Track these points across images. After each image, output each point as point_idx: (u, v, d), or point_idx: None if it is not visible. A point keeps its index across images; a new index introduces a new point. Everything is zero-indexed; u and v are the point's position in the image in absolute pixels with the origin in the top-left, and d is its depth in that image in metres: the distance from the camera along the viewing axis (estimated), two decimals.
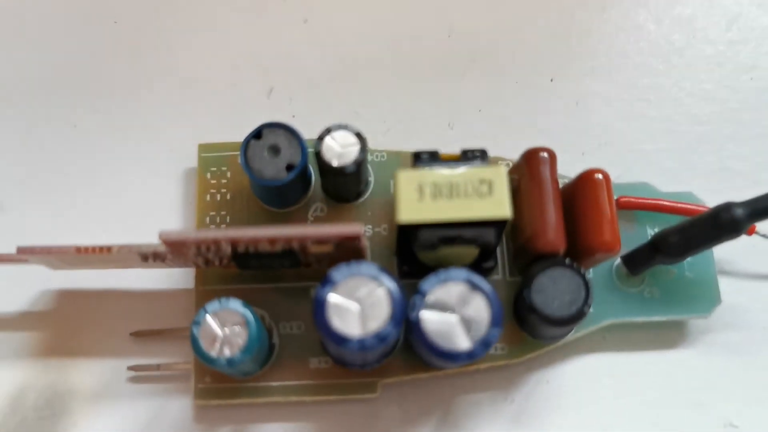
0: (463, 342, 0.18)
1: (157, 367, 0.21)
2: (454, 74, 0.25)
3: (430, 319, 0.18)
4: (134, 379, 0.21)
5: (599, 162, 0.24)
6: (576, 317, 0.19)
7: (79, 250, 0.19)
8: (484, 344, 0.18)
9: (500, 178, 0.19)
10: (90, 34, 0.25)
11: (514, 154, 0.23)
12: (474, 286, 0.18)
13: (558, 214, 0.20)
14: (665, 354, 0.22)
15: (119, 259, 0.20)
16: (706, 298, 0.22)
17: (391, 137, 0.24)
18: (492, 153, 0.23)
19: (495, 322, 0.18)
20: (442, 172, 0.19)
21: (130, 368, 0.21)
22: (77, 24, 0.25)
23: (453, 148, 0.23)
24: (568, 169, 0.23)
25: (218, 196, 0.22)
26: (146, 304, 0.22)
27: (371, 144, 0.23)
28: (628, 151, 0.24)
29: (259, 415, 0.21)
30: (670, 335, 0.22)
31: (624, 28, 0.26)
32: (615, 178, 0.24)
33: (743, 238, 0.22)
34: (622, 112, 0.25)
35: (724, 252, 0.23)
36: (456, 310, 0.18)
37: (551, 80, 0.25)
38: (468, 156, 0.20)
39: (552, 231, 0.20)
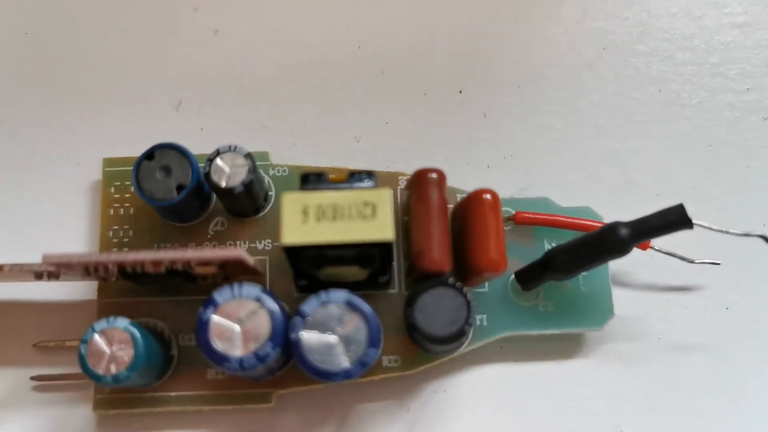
0: (341, 361, 0.19)
1: (60, 377, 0.22)
2: (363, 87, 0.25)
3: (309, 339, 0.19)
4: (37, 389, 0.22)
5: (504, 174, 0.25)
6: (457, 336, 0.20)
7: None
8: (362, 364, 0.19)
9: (384, 201, 0.19)
10: None
11: (420, 167, 0.24)
12: (354, 307, 0.19)
13: (443, 235, 0.20)
14: (560, 364, 0.23)
15: (13, 276, 0.20)
16: (600, 311, 0.22)
17: (297, 151, 0.24)
18: (397, 166, 0.24)
19: (373, 342, 0.19)
20: (326, 194, 0.19)
21: (33, 378, 0.22)
22: None
23: (359, 162, 0.24)
24: (472, 183, 0.24)
25: (122, 210, 0.23)
26: (49, 315, 0.22)
27: (277, 158, 0.23)
28: (533, 164, 0.24)
29: (158, 423, 0.22)
30: (565, 346, 0.23)
31: (534, 40, 0.26)
32: (519, 191, 0.24)
33: (639, 253, 0.23)
34: (528, 125, 0.25)
35: (620, 265, 0.23)
36: (335, 331, 0.19)
37: (460, 92, 0.25)
38: (355, 178, 0.20)
39: (436, 251, 0.20)
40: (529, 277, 0.22)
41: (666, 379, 0.23)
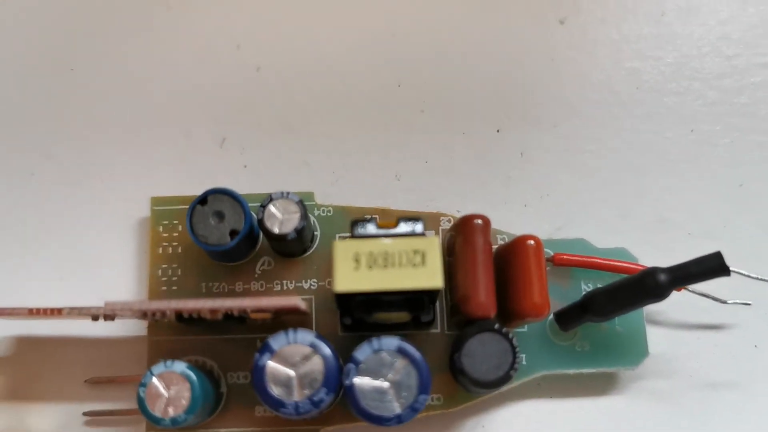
0: (393, 407, 0.19)
1: (111, 412, 0.22)
2: (403, 125, 0.25)
3: (362, 385, 0.19)
4: (89, 423, 0.23)
5: (540, 213, 0.25)
6: (502, 380, 0.20)
7: (31, 312, 0.20)
8: (413, 410, 0.19)
9: (433, 249, 0.20)
10: (46, 81, 0.25)
11: (459, 205, 0.24)
12: (405, 354, 0.20)
13: (488, 280, 0.21)
14: (595, 401, 0.24)
15: (71, 317, 0.21)
16: (634, 351, 0.23)
17: (338, 187, 0.25)
18: (436, 205, 0.24)
19: (423, 389, 0.19)
20: (377, 242, 0.20)
21: (86, 414, 0.22)
22: (34, 71, 0.26)
23: (399, 200, 0.25)
24: (510, 222, 0.24)
25: (170, 249, 0.23)
26: (100, 351, 0.23)
27: (319, 196, 0.24)
28: (569, 203, 0.25)
29: None
30: (600, 383, 0.24)
31: (570, 79, 0.26)
32: (555, 230, 0.25)
33: (673, 293, 0.23)
34: (564, 163, 0.25)
35: (654, 304, 0.24)
36: (387, 377, 0.20)
37: (497, 131, 0.26)
38: (404, 223, 0.21)
39: (483, 296, 0.21)
40: (567, 318, 0.23)
41: (697, 416, 0.23)
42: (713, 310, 0.24)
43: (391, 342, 0.20)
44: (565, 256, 0.23)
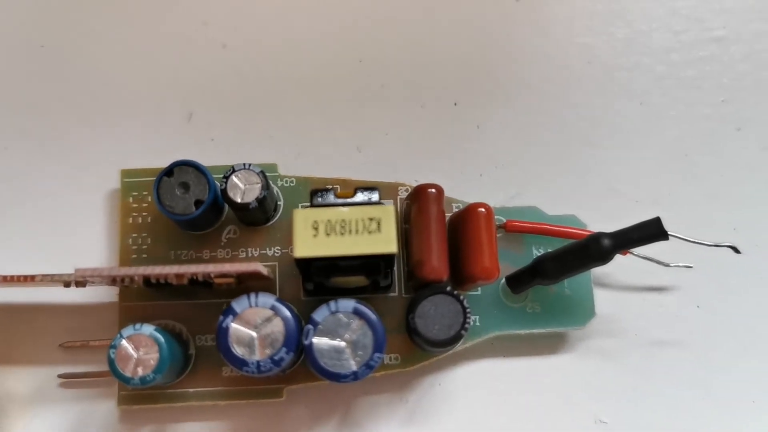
0: (349, 365, 0.21)
1: (85, 375, 0.23)
2: (364, 99, 0.26)
3: (320, 345, 0.21)
4: (64, 385, 0.24)
5: (495, 183, 0.26)
6: (454, 339, 0.22)
7: (5, 279, 0.21)
8: (368, 367, 0.21)
9: (388, 216, 0.21)
10: (17, 58, 0.26)
11: (418, 176, 0.25)
12: (360, 315, 0.21)
13: (441, 246, 0.22)
14: (545, 360, 0.25)
15: (44, 284, 0.22)
16: (582, 312, 0.24)
17: (301, 160, 0.26)
18: (396, 176, 0.26)
19: (378, 348, 0.21)
20: (335, 210, 0.21)
21: (60, 376, 0.24)
22: (6, 50, 0.26)
23: (359, 171, 0.26)
24: (466, 191, 0.25)
25: (140, 219, 0.24)
26: (73, 317, 0.24)
27: (282, 168, 0.25)
28: (523, 173, 0.26)
29: (177, 416, 0.24)
30: (550, 343, 0.25)
31: (524, 55, 0.27)
32: (508, 199, 0.26)
33: (619, 257, 0.24)
34: (518, 136, 0.27)
35: (601, 268, 0.25)
36: (344, 337, 0.21)
37: (455, 104, 0.27)
38: (361, 192, 0.22)
39: (436, 261, 0.22)
40: (518, 282, 0.24)
41: (642, 372, 0.25)
42: (658, 273, 0.25)
43: (347, 304, 0.21)
44: (517, 223, 0.25)
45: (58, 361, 0.24)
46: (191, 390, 0.23)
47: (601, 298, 0.25)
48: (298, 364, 0.23)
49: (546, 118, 0.27)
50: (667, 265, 0.25)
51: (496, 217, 0.24)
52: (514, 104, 0.27)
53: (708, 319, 0.25)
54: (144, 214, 0.24)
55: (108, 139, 0.25)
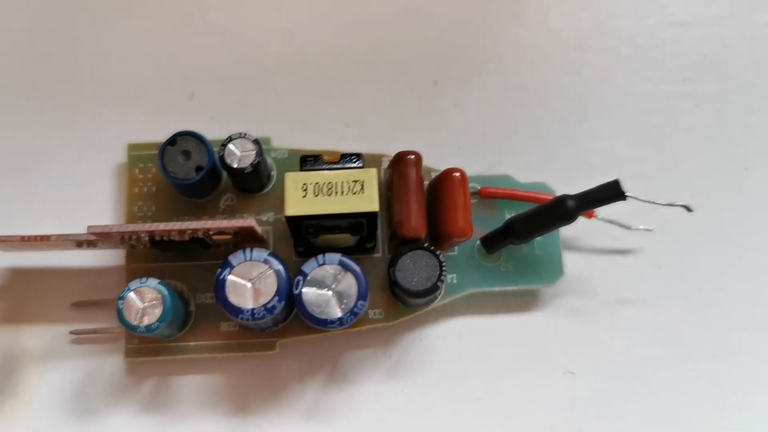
0: (335, 312, 0.23)
1: (95, 331, 0.26)
2: (352, 79, 0.29)
3: (309, 294, 0.23)
4: (75, 341, 0.26)
5: (472, 155, 0.29)
6: (430, 291, 0.24)
7: (23, 239, 0.23)
8: (352, 314, 0.23)
9: (371, 179, 0.23)
10: (25, 38, 0.29)
11: (400, 148, 0.27)
12: (345, 267, 0.23)
13: (419, 206, 0.24)
14: (518, 316, 0.27)
15: (58, 245, 0.24)
16: (551, 271, 0.26)
17: (295, 135, 0.28)
18: (380, 149, 0.28)
19: (362, 296, 0.23)
20: (322, 173, 0.23)
21: (72, 332, 0.26)
22: (18, 32, 0.29)
23: (348, 145, 0.28)
24: (445, 162, 0.27)
25: (145, 189, 0.26)
26: (84, 279, 0.26)
27: (276, 141, 0.27)
28: (498, 146, 0.28)
29: (179, 369, 0.26)
30: (522, 301, 0.27)
31: (501, 38, 0.30)
32: (485, 169, 0.28)
33: (586, 221, 0.27)
34: (494, 112, 0.29)
35: (570, 232, 0.27)
36: (330, 287, 0.23)
37: (435, 83, 0.29)
38: (346, 159, 0.24)
39: (414, 220, 0.24)
40: (492, 242, 0.26)
41: (608, 329, 0.27)
42: (622, 237, 0.27)
43: (333, 257, 0.23)
44: (491, 190, 0.27)
45: (70, 319, 0.26)
46: (192, 344, 0.25)
47: (571, 260, 0.27)
48: (290, 320, 0.25)
49: (520, 95, 0.29)
50: (629, 228, 0.27)
51: (472, 184, 0.27)
52: (491, 84, 0.29)
53: (668, 279, 0.28)
54: (149, 184, 0.26)
55: (116, 118, 0.28)
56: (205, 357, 0.25)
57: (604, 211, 0.27)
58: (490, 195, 0.27)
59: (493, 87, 0.29)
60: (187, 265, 0.26)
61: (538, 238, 0.26)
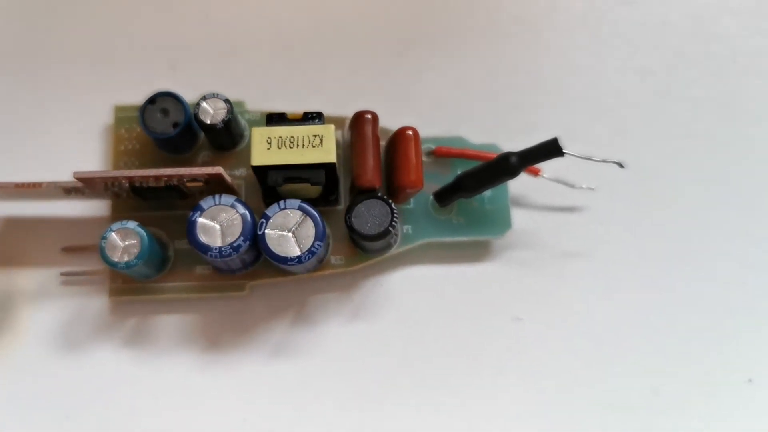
0: (294, 251, 0.25)
1: (83, 273, 0.28)
2: (322, 50, 0.31)
3: (270, 234, 0.25)
4: (65, 283, 0.28)
5: (431, 120, 0.31)
6: (383, 234, 0.26)
7: (17, 185, 0.26)
8: (310, 253, 0.25)
9: (329, 134, 0.26)
10: (28, 12, 0.31)
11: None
12: (304, 211, 0.25)
13: (375, 160, 0.27)
14: (472, 266, 0.29)
15: (48, 193, 0.26)
16: (500, 223, 0.29)
17: (266, 98, 0.30)
18: (341, 112, 0.30)
19: (319, 237, 0.25)
20: (286, 128, 0.26)
21: (63, 274, 0.28)
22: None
23: (315, 107, 0.30)
24: (405, 124, 0.30)
25: (130, 146, 0.29)
26: (73, 228, 0.29)
27: (251, 105, 0.30)
28: (455, 113, 0.31)
29: (158, 309, 0.28)
30: (475, 252, 0.29)
31: (460, 14, 0.32)
32: (445, 131, 0.31)
33: (532, 179, 0.29)
34: (451, 80, 0.31)
35: (520, 190, 0.30)
36: (290, 229, 0.25)
37: (398, 54, 0.31)
38: (308, 117, 0.27)
39: (369, 172, 0.27)
40: (443, 196, 0.28)
41: (554, 280, 0.29)
42: (567, 195, 0.30)
43: (293, 203, 0.25)
44: (444, 149, 0.29)
45: (60, 263, 0.28)
46: (169, 284, 0.28)
47: (519, 215, 0.30)
48: (259, 264, 0.28)
49: (479, 68, 0.31)
50: (573, 186, 0.29)
51: (428, 145, 0.29)
52: (451, 57, 0.32)
53: (608, 232, 0.30)
54: (134, 142, 0.29)
55: (105, 83, 0.30)
56: (182, 297, 0.28)
57: (550, 170, 0.29)
58: (444, 154, 0.29)
59: (454, 60, 0.31)
60: (166, 214, 0.28)
61: (487, 194, 0.29)
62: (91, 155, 0.29)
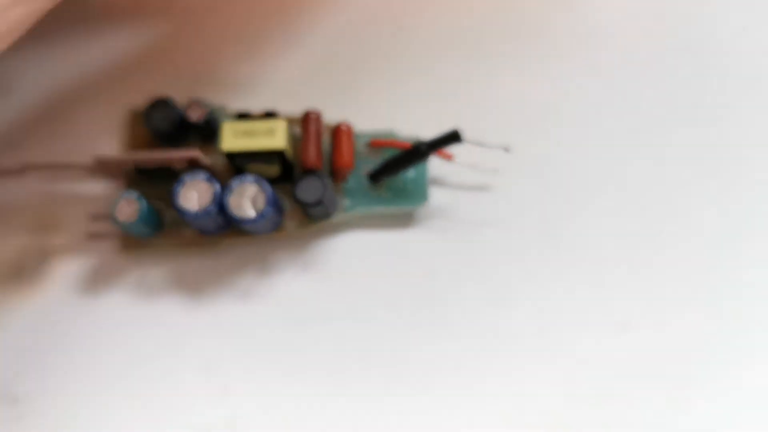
0: (251, 213, 0.33)
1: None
2: (294, 58, 0.40)
3: (232, 201, 0.34)
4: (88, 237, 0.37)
5: (371, 116, 0.39)
6: (319, 201, 0.34)
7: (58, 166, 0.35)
8: (263, 216, 0.33)
9: (281, 127, 0.34)
10: None
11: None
12: (260, 185, 0.34)
13: (317, 148, 0.35)
14: (401, 232, 0.37)
15: (77, 174, 0.36)
16: (418, 197, 0.36)
17: (243, 104, 0.39)
18: (292, 111, 0.38)
19: (269, 203, 0.34)
20: (248, 123, 0.34)
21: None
22: None
23: (276, 106, 0.38)
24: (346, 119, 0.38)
25: (140, 141, 0.38)
26: (97, 201, 0.38)
27: (231, 108, 0.38)
28: (392, 110, 0.39)
29: (156, 260, 0.37)
30: (401, 221, 0.37)
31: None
32: (379, 126, 0.38)
33: (449, 164, 0.37)
34: (389, 86, 0.39)
35: (440, 172, 0.37)
36: (248, 196, 0.34)
37: (349, 68, 0.40)
38: (268, 115, 0.35)
39: (312, 157, 0.35)
40: (375, 176, 0.36)
41: (471, 250, 0.37)
42: (478, 178, 0.37)
43: (250, 177, 0.34)
44: (378, 141, 0.37)
45: (84, 228, 0.38)
46: (163, 241, 0.36)
47: (439, 193, 0.37)
48: (231, 229, 0.36)
49: (412, 80, 0.40)
50: (476, 168, 0.37)
51: (365, 137, 0.37)
52: (393, 69, 0.40)
53: (518, 209, 0.37)
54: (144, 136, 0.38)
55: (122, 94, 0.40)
56: (174, 252, 0.37)
57: (464, 156, 0.37)
58: (378, 145, 0.37)
59: (393, 73, 0.40)
60: (165, 189, 0.37)
61: (411, 174, 0.37)
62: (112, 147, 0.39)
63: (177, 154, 0.34)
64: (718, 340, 0.36)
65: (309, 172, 0.35)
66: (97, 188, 0.38)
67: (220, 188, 0.34)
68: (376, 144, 0.37)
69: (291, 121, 0.37)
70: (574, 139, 0.38)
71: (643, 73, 0.40)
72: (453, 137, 0.34)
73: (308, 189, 0.35)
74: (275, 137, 0.34)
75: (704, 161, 0.38)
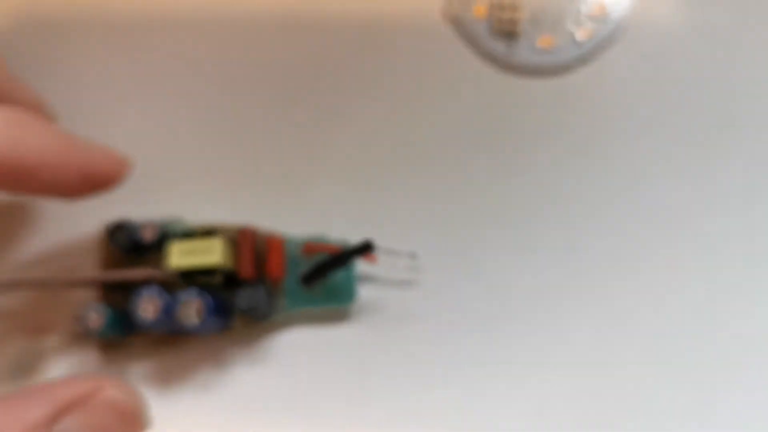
0: (195, 322, 0.39)
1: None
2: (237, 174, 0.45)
3: (179, 311, 0.39)
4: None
5: (305, 221, 0.44)
6: (254, 308, 0.39)
7: (34, 284, 0.42)
8: (204, 323, 0.39)
9: (217, 245, 0.40)
10: None
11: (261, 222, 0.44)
12: (202, 297, 0.39)
13: (251, 262, 0.41)
14: (332, 327, 0.42)
15: (54, 284, 0.42)
16: (347, 295, 0.41)
17: (194, 217, 0.44)
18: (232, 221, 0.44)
19: (210, 312, 0.39)
20: (192, 242, 0.40)
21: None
22: None
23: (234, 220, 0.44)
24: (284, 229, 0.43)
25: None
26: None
27: (188, 220, 0.44)
28: (323, 219, 0.44)
29: (124, 357, 0.43)
30: (334, 316, 0.42)
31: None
32: (315, 236, 0.43)
33: (375, 265, 0.41)
34: (321, 195, 0.44)
35: (367, 271, 0.42)
36: (193, 307, 0.39)
37: (283, 176, 0.45)
38: (208, 233, 0.41)
39: (247, 269, 0.40)
40: (307, 279, 0.41)
41: (399, 343, 0.42)
42: (405, 273, 0.42)
43: (193, 290, 0.39)
44: (311, 245, 0.42)
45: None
46: (134, 340, 0.42)
47: (367, 291, 0.42)
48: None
49: (337, 187, 0.44)
50: (398, 255, 0.41)
51: (299, 241, 0.42)
52: (323, 174, 0.45)
53: (446, 301, 0.42)
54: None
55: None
56: (146, 350, 0.43)
57: (386, 257, 0.42)
58: (311, 249, 0.42)
59: (323, 178, 0.45)
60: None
61: (340, 274, 0.42)
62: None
63: (131, 273, 0.40)
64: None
65: (246, 281, 0.41)
66: (81, 294, 0.45)
67: (171, 300, 0.40)
68: (309, 249, 0.43)
69: (230, 235, 0.43)
70: (495, 237, 0.43)
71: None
72: (366, 247, 0.39)
73: (245, 297, 0.40)
74: (213, 254, 0.40)
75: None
